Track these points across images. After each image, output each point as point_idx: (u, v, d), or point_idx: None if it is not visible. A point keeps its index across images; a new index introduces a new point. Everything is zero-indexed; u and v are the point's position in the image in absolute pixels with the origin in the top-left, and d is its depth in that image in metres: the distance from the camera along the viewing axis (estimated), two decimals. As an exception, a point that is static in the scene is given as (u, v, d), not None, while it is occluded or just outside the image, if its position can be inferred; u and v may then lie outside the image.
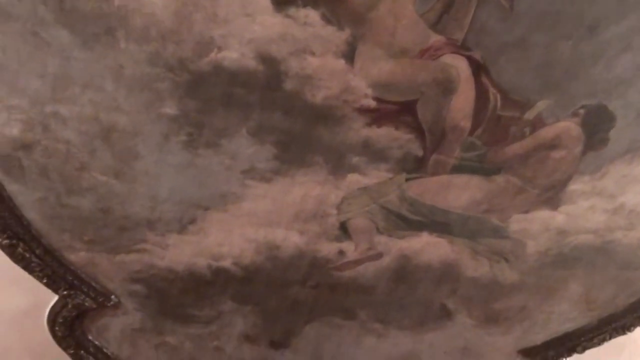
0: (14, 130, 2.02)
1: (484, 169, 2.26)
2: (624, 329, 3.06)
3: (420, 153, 2.18)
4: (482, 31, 1.81)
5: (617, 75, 1.95)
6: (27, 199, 2.28)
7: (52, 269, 2.58)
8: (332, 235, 2.54)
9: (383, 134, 2.11)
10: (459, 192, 2.35)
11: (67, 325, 2.91)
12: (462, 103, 2.02)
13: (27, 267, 2.53)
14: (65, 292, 2.71)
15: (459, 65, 1.91)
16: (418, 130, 2.10)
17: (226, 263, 2.64)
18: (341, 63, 1.87)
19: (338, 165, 2.21)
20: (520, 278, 2.77)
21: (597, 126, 2.12)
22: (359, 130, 2.08)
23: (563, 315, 3.04)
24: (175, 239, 2.51)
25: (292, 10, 1.73)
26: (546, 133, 2.13)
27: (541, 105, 2.03)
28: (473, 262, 2.69)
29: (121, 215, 2.37)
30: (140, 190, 2.28)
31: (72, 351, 3.07)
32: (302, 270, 2.70)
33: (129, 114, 1.99)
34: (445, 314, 3.03)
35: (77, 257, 2.57)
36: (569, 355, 3.29)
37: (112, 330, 3.05)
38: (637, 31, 1.82)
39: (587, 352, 3.23)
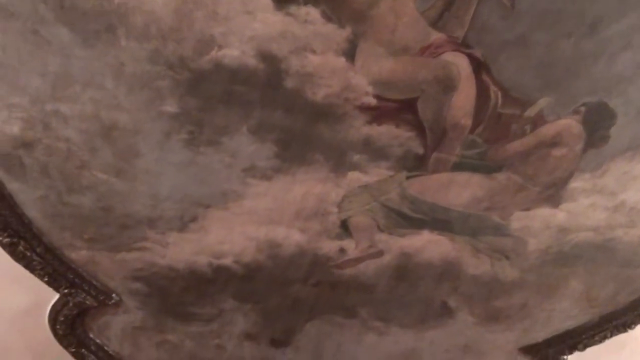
0: (15, 129, 2.02)
1: (484, 166, 2.26)
2: (625, 326, 3.06)
3: (421, 151, 2.18)
4: (483, 29, 1.81)
5: (618, 73, 1.95)
6: (28, 197, 2.28)
7: (53, 267, 2.58)
8: (333, 233, 2.54)
9: (384, 132, 2.11)
10: (460, 190, 2.35)
11: (68, 324, 2.91)
12: (463, 101, 2.02)
13: (28, 265, 2.53)
14: (66, 291, 2.71)
15: (460, 63, 1.91)
16: (419, 128, 2.10)
17: (227, 261, 2.64)
18: (342, 61, 1.87)
19: (339, 163, 2.21)
20: (521, 276, 2.77)
21: (597, 124, 2.12)
22: (360, 128, 2.08)
23: (564, 312, 3.05)
24: (176, 237, 2.51)
25: (292, 8, 1.73)
26: (547, 131, 2.13)
27: (542, 103, 2.03)
28: (474, 260, 2.69)
29: (122, 213, 2.37)
30: (141, 189, 2.28)
31: (73, 349, 3.07)
32: (303, 269, 2.70)
33: (129, 112, 1.99)
34: (446, 312, 3.03)
35: (78, 255, 2.57)
36: (570, 352, 3.29)
37: (113, 328, 3.06)
38: (638, 29, 1.82)
39: (588, 349, 3.23)
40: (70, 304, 2.80)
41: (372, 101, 1.99)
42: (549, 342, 3.26)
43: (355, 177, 2.27)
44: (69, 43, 1.78)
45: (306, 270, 2.71)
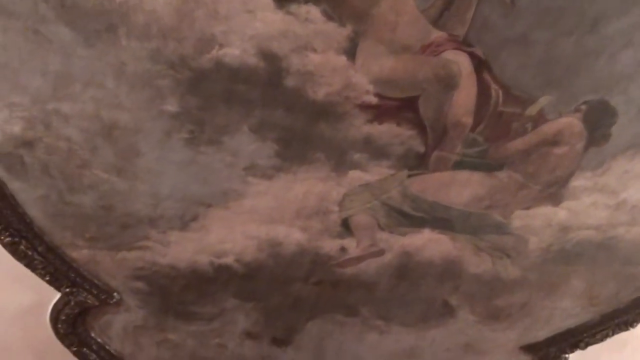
0: (16, 128, 2.02)
1: (485, 165, 2.25)
2: (627, 324, 3.06)
3: (422, 149, 2.18)
4: (484, 27, 1.80)
5: (619, 71, 1.94)
6: (29, 197, 2.28)
7: (54, 266, 2.58)
8: (334, 232, 2.53)
9: (385, 131, 2.10)
10: (461, 189, 2.35)
11: (69, 323, 2.92)
12: (464, 99, 2.02)
13: (29, 264, 2.53)
14: (67, 290, 2.71)
15: (461, 62, 1.91)
16: (420, 126, 2.10)
17: (228, 260, 2.64)
18: (343, 59, 1.87)
19: (340, 162, 2.21)
20: (523, 274, 2.77)
21: (599, 122, 2.11)
22: (361, 127, 2.08)
23: (565, 311, 3.05)
24: (177, 236, 2.51)
25: (293, 7, 1.73)
26: (548, 129, 2.13)
27: (543, 101, 2.03)
28: (475, 259, 2.69)
29: (123, 212, 2.38)
30: (142, 188, 2.28)
31: (74, 348, 3.07)
32: (304, 267, 2.70)
33: (130, 111, 1.99)
34: (448, 311, 3.03)
35: (80, 254, 2.57)
36: (572, 351, 3.29)
37: (114, 327, 3.06)
38: (639, 27, 1.81)
39: (590, 348, 3.23)
40: (72, 303, 2.80)
41: (373, 100, 1.99)
42: (550, 341, 3.26)
43: (356, 176, 2.27)
44: (70, 42, 1.78)
45: (307, 269, 2.71)
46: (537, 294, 2.92)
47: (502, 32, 1.81)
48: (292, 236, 2.54)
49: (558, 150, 2.21)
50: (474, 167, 2.27)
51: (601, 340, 3.18)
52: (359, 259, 2.67)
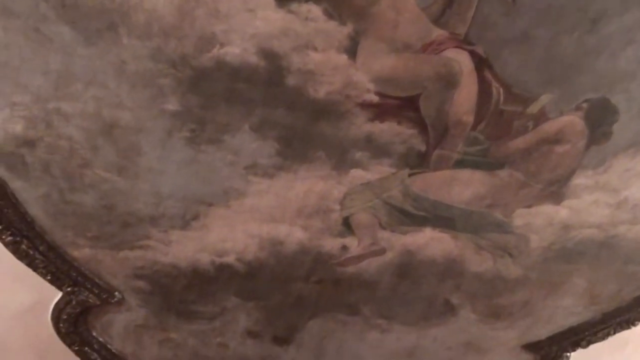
0: (17, 127, 2.03)
1: (487, 163, 2.25)
2: (629, 323, 3.06)
3: (423, 148, 2.17)
4: (485, 25, 1.80)
5: (621, 69, 1.94)
6: (30, 196, 2.28)
7: (55, 265, 2.58)
8: (335, 231, 2.53)
9: (386, 129, 2.10)
10: (462, 187, 2.35)
11: (71, 322, 2.92)
12: (465, 97, 2.02)
13: (31, 264, 2.54)
14: (69, 289, 2.72)
15: (462, 60, 1.91)
16: (421, 125, 2.10)
17: (229, 259, 2.65)
18: (343, 58, 1.87)
19: (341, 161, 2.21)
20: (524, 273, 2.77)
21: (600, 120, 2.11)
22: (362, 126, 2.08)
23: (567, 309, 3.04)
24: (179, 235, 2.51)
25: (294, 6, 1.73)
26: (549, 127, 2.13)
27: (544, 100, 2.03)
28: (477, 257, 2.68)
29: (124, 211, 2.38)
30: (143, 187, 2.28)
31: (76, 347, 3.07)
32: (305, 266, 2.70)
33: (131, 110, 2.00)
34: (449, 309, 3.03)
35: (81, 253, 2.57)
36: (573, 349, 3.28)
37: (116, 326, 3.06)
38: (640, 25, 1.81)
39: (592, 346, 3.23)
40: (73, 302, 2.80)
41: (374, 98, 1.99)
42: (551, 339, 3.26)
43: (357, 175, 2.27)
44: (71, 41, 1.79)
45: (308, 268, 2.71)
46: (539, 293, 2.91)
47: (503, 31, 1.81)
48: (293, 235, 2.54)
49: (559, 149, 2.20)
50: (475, 166, 2.27)
51: (603, 338, 3.17)
52: (360, 258, 2.67)
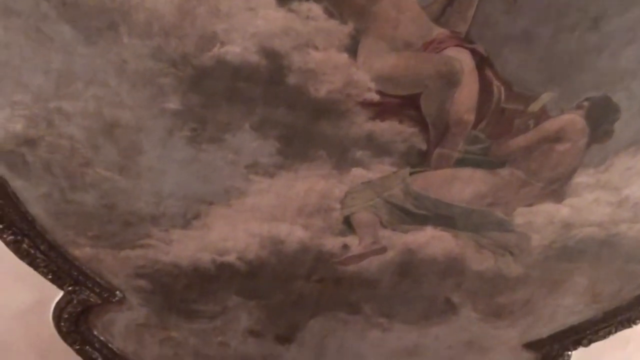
0: (18, 126, 2.03)
1: (488, 162, 2.25)
2: (630, 322, 3.06)
3: (424, 147, 2.17)
4: (486, 24, 1.80)
5: (622, 67, 1.94)
6: (31, 195, 2.29)
7: (57, 264, 2.58)
8: (336, 230, 2.53)
9: (387, 128, 2.10)
10: (463, 186, 2.35)
11: (72, 321, 2.92)
12: (466, 96, 2.01)
13: (32, 263, 2.54)
14: (70, 288, 2.72)
15: (463, 58, 1.91)
16: (422, 123, 2.10)
17: (230, 258, 2.65)
18: (344, 57, 1.87)
19: (342, 160, 2.21)
20: (525, 271, 2.77)
21: (601, 118, 2.11)
22: (363, 124, 2.08)
23: (568, 308, 3.04)
24: (180, 234, 2.51)
25: (294, 4, 1.73)
26: (550, 126, 2.12)
27: (545, 98, 2.03)
28: (478, 256, 2.68)
29: (125, 210, 2.38)
30: (144, 186, 2.28)
31: (77, 347, 3.08)
32: (306, 265, 2.70)
33: (132, 109, 2.00)
34: (450, 308, 3.03)
35: (82, 252, 2.58)
36: (575, 348, 3.29)
37: (117, 325, 3.06)
38: (641, 23, 1.81)
39: (593, 345, 3.23)
40: (75, 302, 2.80)
41: (375, 97, 1.99)
42: (553, 338, 3.26)
43: (358, 174, 2.27)
44: (72, 40, 1.79)
45: (309, 267, 2.71)
46: (540, 291, 2.91)
47: (503, 29, 1.81)
48: (294, 234, 2.54)
49: (560, 147, 2.20)
50: (476, 164, 2.27)
51: (604, 337, 3.17)
52: (361, 257, 2.67)
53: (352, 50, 1.85)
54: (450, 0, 1.78)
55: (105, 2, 1.70)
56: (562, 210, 2.45)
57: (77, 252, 2.57)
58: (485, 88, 1.99)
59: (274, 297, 2.92)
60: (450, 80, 1.96)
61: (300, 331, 3.18)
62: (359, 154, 2.19)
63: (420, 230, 2.55)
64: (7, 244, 2.43)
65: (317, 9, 1.74)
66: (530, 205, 2.44)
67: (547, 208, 2.45)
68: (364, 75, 1.92)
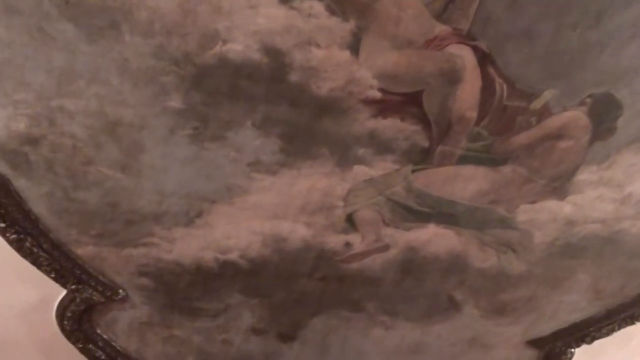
0: (21, 125, 2.03)
1: (490, 159, 2.25)
2: (633, 319, 3.06)
3: (426, 144, 2.17)
4: (488, 21, 1.80)
5: (624, 64, 1.93)
6: (34, 194, 2.29)
7: (60, 263, 2.59)
8: (339, 228, 2.53)
9: (389, 126, 2.10)
10: (466, 183, 2.34)
11: (75, 319, 2.93)
12: (468, 93, 2.01)
13: (35, 261, 2.54)
14: (73, 287, 2.72)
15: (465, 55, 1.90)
16: (424, 121, 2.10)
17: (233, 256, 2.65)
18: (346, 54, 1.86)
19: (344, 157, 2.21)
20: (528, 269, 2.77)
21: (604, 115, 2.10)
22: (365, 122, 2.08)
23: (571, 305, 3.04)
24: (182, 233, 2.51)
25: (296, 2, 1.73)
26: (553, 123, 2.12)
27: (548, 95, 2.02)
28: (480, 253, 2.68)
29: (128, 209, 2.38)
30: (146, 184, 2.28)
31: (80, 345, 3.08)
32: (309, 263, 2.70)
33: (134, 108, 2.00)
34: (453, 306, 3.03)
35: (85, 251, 2.58)
36: (578, 345, 3.29)
37: (120, 323, 3.07)
38: (644, 20, 1.81)
39: (596, 342, 3.23)
40: (77, 300, 2.81)
41: (377, 95, 1.98)
42: (556, 335, 3.26)
43: (360, 171, 2.27)
44: (74, 39, 1.79)
45: (312, 265, 2.71)
46: (543, 289, 2.91)
47: (506, 26, 1.80)
48: (297, 232, 2.54)
49: (563, 144, 2.20)
50: (478, 162, 2.26)
51: (607, 334, 3.17)
52: (363, 255, 2.67)
53: (354, 47, 1.84)
54: (452, -3, 1.78)
55: (107, 0, 1.70)
56: (565, 208, 2.45)
57: (80, 251, 2.58)
58: (487, 85, 1.99)
59: (277, 295, 2.92)
60: (452, 77, 1.96)
61: (303, 329, 3.19)
62: (361, 151, 2.19)
63: (423, 228, 2.55)
64: (10, 242, 2.43)
65: (318, 7, 1.74)
66: (533, 202, 2.44)
67: (550, 205, 2.44)
68: (366, 72, 1.92)
